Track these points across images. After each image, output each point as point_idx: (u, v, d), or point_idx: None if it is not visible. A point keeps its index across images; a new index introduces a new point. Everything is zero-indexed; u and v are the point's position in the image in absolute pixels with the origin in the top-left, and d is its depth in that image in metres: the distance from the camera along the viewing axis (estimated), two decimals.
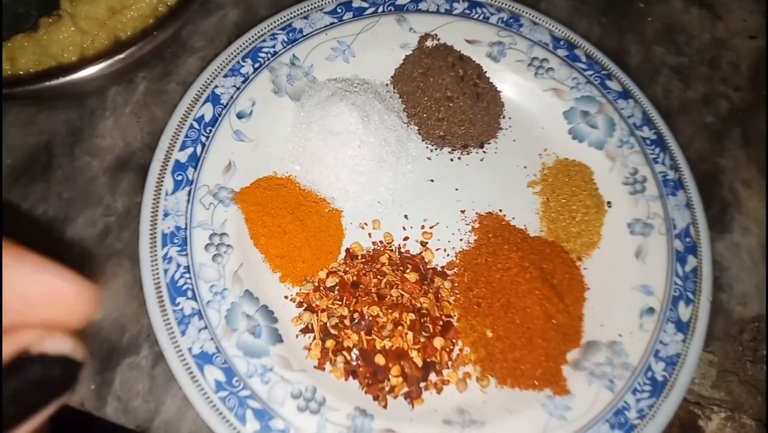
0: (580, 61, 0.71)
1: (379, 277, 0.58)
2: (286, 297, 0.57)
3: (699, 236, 0.62)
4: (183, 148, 0.60)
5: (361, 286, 0.57)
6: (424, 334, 0.55)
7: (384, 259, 0.59)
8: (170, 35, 0.63)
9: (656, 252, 0.61)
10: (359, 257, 0.60)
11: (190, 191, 0.58)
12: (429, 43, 0.70)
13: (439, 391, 0.54)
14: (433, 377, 0.55)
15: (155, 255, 0.55)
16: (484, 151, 0.68)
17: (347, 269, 0.59)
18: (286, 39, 0.68)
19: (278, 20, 0.69)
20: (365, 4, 0.71)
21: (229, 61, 0.65)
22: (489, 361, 0.55)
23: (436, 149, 0.67)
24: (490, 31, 0.71)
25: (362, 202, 0.63)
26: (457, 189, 0.65)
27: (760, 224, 0.69)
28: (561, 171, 0.66)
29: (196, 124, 0.61)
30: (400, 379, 0.53)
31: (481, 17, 0.72)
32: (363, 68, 0.69)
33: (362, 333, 0.54)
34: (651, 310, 0.58)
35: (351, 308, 0.56)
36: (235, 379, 0.51)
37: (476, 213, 0.64)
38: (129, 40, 0.65)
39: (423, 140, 0.68)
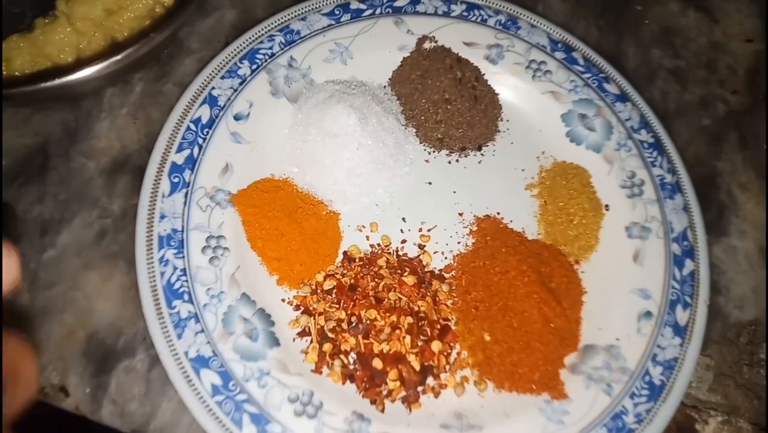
0: (578, 64, 0.71)
1: (376, 280, 0.57)
2: (283, 300, 0.57)
3: (696, 240, 0.62)
4: (180, 150, 0.60)
5: (359, 289, 0.57)
6: (422, 337, 0.55)
7: (382, 262, 0.59)
8: (167, 36, 0.63)
9: (654, 256, 0.61)
10: (357, 260, 0.60)
11: (186, 193, 0.58)
12: (427, 45, 0.70)
13: (436, 395, 0.54)
14: (430, 381, 0.54)
15: (152, 258, 0.55)
16: (482, 154, 0.68)
17: (345, 272, 0.58)
18: (283, 41, 0.67)
19: (276, 22, 0.68)
20: (363, 6, 0.71)
21: (227, 63, 0.65)
22: (487, 365, 0.55)
23: (434, 152, 0.67)
24: (488, 34, 0.71)
25: (360, 204, 0.63)
26: (455, 192, 0.65)
27: (757, 227, 0.69)
28: (559, 174, 0.66)
29: (193, 126, 0.61)
30: (398, 383, 0.53)
31: (479, 19, 0.72)
32: (361, 70, 0.69)
33: (360, 337, 0.54)
34: (648, 314, 0.58)
35: (348, 312, 0.55)
36: (232, 383, 0.51)
37: (474, 216, 0.64)
38: (125, 41, 0.65)
39: (421, 143, 0.67)
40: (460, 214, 0.64)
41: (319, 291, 0.57)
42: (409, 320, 0.55)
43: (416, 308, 0.57)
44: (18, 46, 0.62)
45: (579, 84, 0.69)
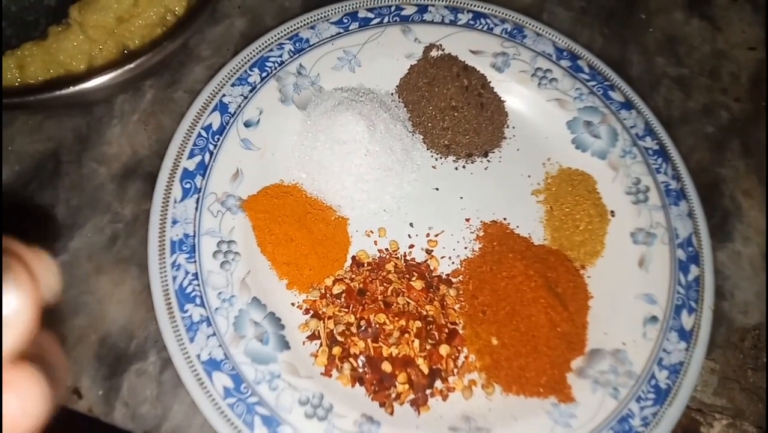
0: (583, 72, 0.72)
1: (385, 284, 0.58)
2: (293, 304, 0.58)
3: (701, 246, 0.63)
4: (191, 156, 0.61)
5: (368, 293, 0.57)
6: (430, 341, 0.56)
7: (390, 267, 0.60)
8: (179, 45, 0.63)
9: (659, 261, 0.62)
10: (365, 265, 0.60)
11: (198, 199, 0.59)
12: (434, 53, 0.71)
13: (444, 398, 0.55)
14: (438, 384, 0.55)
15: (164, 262, 0.55)
16: (488, 160, 0.68)
17: (353, 276, 0.59)
18: (292, 49, 0.68)
19: (285, 30, 0.69)
20: (371, 15, 0.72)
21: (237, 70, 0.66)
22: (494, 368, 0.56)
23: (440, 158, 0.68)
24: (494, 42, 0.72)
25: (368, 210, 0.64)
26: (461, 198, 0.66)
27: (761, 233, 0.70)
28: (564, 180, 0.67)
29: (204, 133, 0.62)
30: (407, 386, 0.54)
31: (485, 28, 0.73)
32: (369, 78, 0.70)
33: (369, 340, 0.55)
34: (654, 318, 0.59)
35: (358, 316, 0.56)
36: (243, 385, 0.51)
37: (481, 221, 0.65)
38: (137, 49, 0.66)
39: (428, 149, 0.68)
40: (467, 220, 0.65)
41: (328, 295, 0.58)
42: (418, 324, 0.55)
43: (424, 312, 0.57)
44: (32, 54, 0.63)
45: (584, 92, 0.70)
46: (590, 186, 0.66)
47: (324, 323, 0.56)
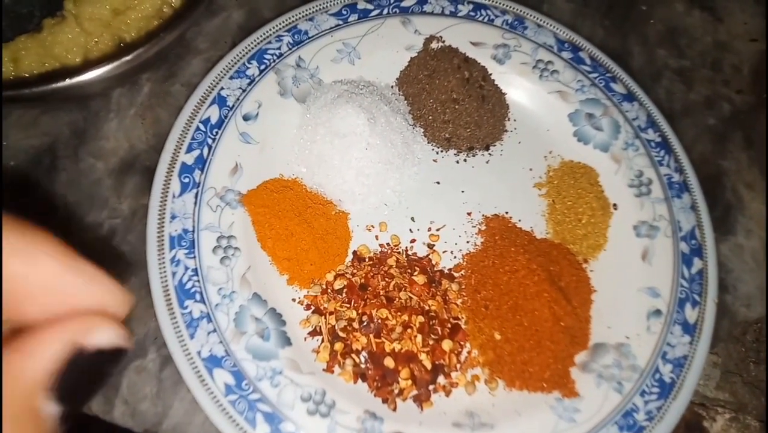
0: (585, 64, 0.71)
1: (387, 279, 0.57)
2: (293, 300, 0.57)
3: (704, 238, 0.63)
4: (189, 150, 0.60)
5: (370, 288, 0.57)
6: (433, 336, 0.55)
7: (391, 261, 0.59)
8: (176, 37, 0.62)
9: (662, 254, 0.61)
10: (367, 260, 0.60)
11: (197, 194, 0.58)
12: (434, 45, 0.70)
13: (447, 394, 0.54)
14: (441, 379, 0.55)
15: (163, 258, 0.55)
16: (489, 154, 0.68)
17: (355, 271, 0.58)
18: (291, 41, 0.67)
19: (283, 22, 0.68)
20: (370, 6, 0.71)
21: (235, 63, 0.65)
22: (497, 363, 0.55)
23: (441, 151, 0.67)
24: (494, 34, 0.71)
25: (369, 204, 0.63)
26: (463, 191, 0.65)
27: (763, 225, 0.70)
28: (566, 173, 0.66)
29: (202, 126, 0.61)
30: (409, 382, 0.53)
31: (486, 19, 0.72)
32: (368, 70, 0.69)
33: (371, 336, 0.54)
34: (658, 312, 0.59)
35: (360, 311, 0.55)
36: (245, 382, 0.51)
37: (482, 215, 0.64)
38: (133, 42, 0.65)
39: (429, 142, 0.68)
40: (469, 214, 0.64)
41: (329, 291, 0.57)
42: (421, 319, 0.55)
43: (427, 307, 0.57)
44: (26, 47, 0.62)
45: (586, 84, 0.70)
46: (592, 179, 0.66)
47: (326, 318, 0.56)
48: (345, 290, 0.57)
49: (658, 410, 0.54)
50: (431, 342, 0.55)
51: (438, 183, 0.66)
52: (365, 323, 0.55)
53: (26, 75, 0.62)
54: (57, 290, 0.23)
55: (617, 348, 0.57)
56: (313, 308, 0.57)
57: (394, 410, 0.52)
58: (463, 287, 0.59)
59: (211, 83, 0.63)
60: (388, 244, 0.61)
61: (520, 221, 0.64)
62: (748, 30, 0.84)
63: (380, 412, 0.52)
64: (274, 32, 0.68)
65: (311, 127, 0.63)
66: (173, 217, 0.56)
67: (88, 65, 0.58)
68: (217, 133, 0.61)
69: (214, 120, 0.62)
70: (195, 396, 0.50)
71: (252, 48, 0.66)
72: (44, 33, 0.62)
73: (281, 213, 0.59)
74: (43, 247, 0.23)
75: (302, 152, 0.63)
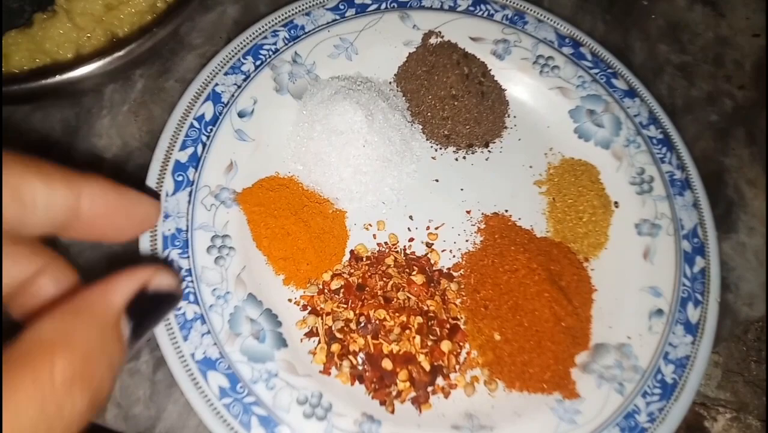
0: (586, 60, 0.70)
1: (384, 279, 0.56)
2: (290, 300, 0.56)
3: (707, 236, 0.62)
4: (183, 147, 0.59)
5: (367, 288, 0.56)
6: (431, 337, 0.54)
7: (389, 261, 0.58)
8: (169, 32, 0.61)
9: (664, 253, 0.61)
10: (364, 259, 0.59)
11: (190, 192, 0.57)
12: (433, 40, 0.69)
13: (446, 395, 0.53)
14: (440, 381, 0.54)
15: (156, 258, 0.53)
16: (489, 151, 0.67)
17: (352, 271, 0.58)
18: (287, 36, 0.66)
19: (279, 17, 0.67)
20: (368, 1, 0.70)
21: (230, 59, 0.64)
22: (497, 364, 0.54)
23: (440, 149, 0.66)
24: (494, 29, 0.70)
25: (366, 202, 0.62)
26: (462, 189, 0.64)
27: (765, 223, 0.69)
28: (567, 171, 0.65)
29: (196, 123, 0.60)
30: (408, 383, 0.52)
31: (486, 14, 0.71)
32: (366, 66, 0.68)
33: (369, 337, 0.53)
34: (660, 311, 0.58)
35: (357, 312, 0.54)
36: (240, 385, 0.50)
37: (482, 213, 0.63)
38: (126, 37, 0.63)
39: (427, 139, 0.67)
40: (468, 212, 0.63)
41: (326, 291, 0.57)
42: (419, 319, 0.54)
43: (425, 308, 0.56)
44: (16, 42, 0.61)
45: (587, 80, 0.69)
46: (593, 176, 0.65)
47: (322, 319, 0.55)
48: (342, 291, 0.56)
49: (660, 411, 0.53)
50: (430, 343, 0.54)
51: (437, 181, 0.65)
52: (363, 324, 0.54)
53: (16, 71, 0.60)
54: (121, 213, 0.36)
55: (618, 348, 0.56)
56: (309, 308, 0.56)
57: (392, 412, 0.52)
58: (462, 286, 0.59)
59: (206, 79, 0.62)
60: (386, 243, 0.61)
61: (520, 219, 0.63)
62: (751, 25, 0.83)
63: (378, 414, 0.51)
64: (269, 27, 0.66)
65: (308, 124, 0.62)
66: (166, 216, 0.55)
67: (79, 61, 0.57)
68: (211, 130, 0.60)
69: (208, 117, 0.60)
70: (189, 399, 0.49)
71: (247, 43, 0.65)
72: (35, 28, 0.61)
73: (277, 212, 0.58)
74: (103, 185, 0.34)
75: (298, 150, 0.62)
